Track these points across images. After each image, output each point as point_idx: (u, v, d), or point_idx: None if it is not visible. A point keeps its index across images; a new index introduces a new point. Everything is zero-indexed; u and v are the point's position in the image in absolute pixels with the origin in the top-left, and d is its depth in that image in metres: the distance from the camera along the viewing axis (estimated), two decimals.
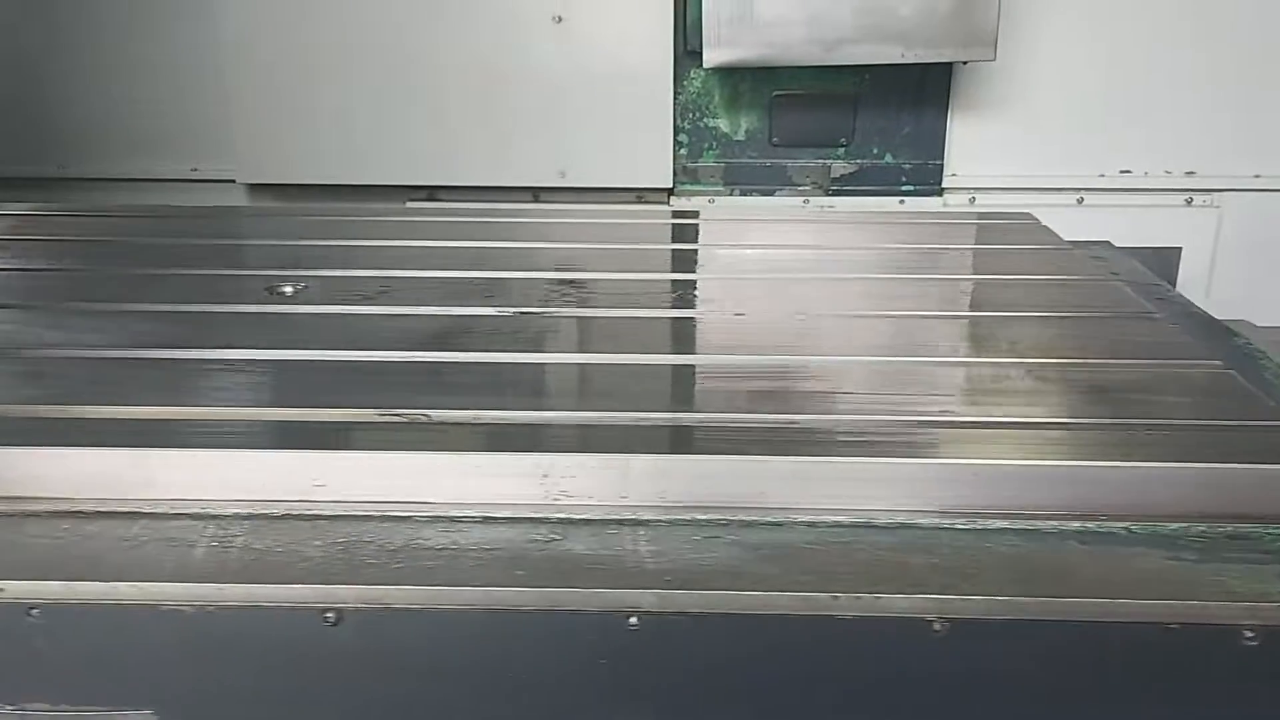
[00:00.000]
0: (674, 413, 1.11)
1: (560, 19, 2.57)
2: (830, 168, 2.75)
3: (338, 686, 0.90)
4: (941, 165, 2.72)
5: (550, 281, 1.56)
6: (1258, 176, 2.68)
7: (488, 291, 1.50)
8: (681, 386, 1.22)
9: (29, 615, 0.88)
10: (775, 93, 2.69)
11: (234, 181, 2.73)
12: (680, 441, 1.06)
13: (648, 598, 0.86)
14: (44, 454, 1.00)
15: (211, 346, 1.26)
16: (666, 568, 0.89)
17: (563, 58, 2.60)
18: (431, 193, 2.76)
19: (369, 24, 2.60)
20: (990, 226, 2.03)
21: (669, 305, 1.49)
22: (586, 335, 1.38)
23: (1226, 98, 2.64)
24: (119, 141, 2.80)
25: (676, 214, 2.28)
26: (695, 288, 1.59)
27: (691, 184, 2.77)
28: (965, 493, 0.96)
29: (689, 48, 2.61)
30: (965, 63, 2.56)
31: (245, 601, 0.88)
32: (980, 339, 1.39)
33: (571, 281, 1.57)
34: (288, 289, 1.49)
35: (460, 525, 0.95)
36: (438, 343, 1.30)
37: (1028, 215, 1.99)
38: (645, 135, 2.68)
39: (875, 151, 2.73)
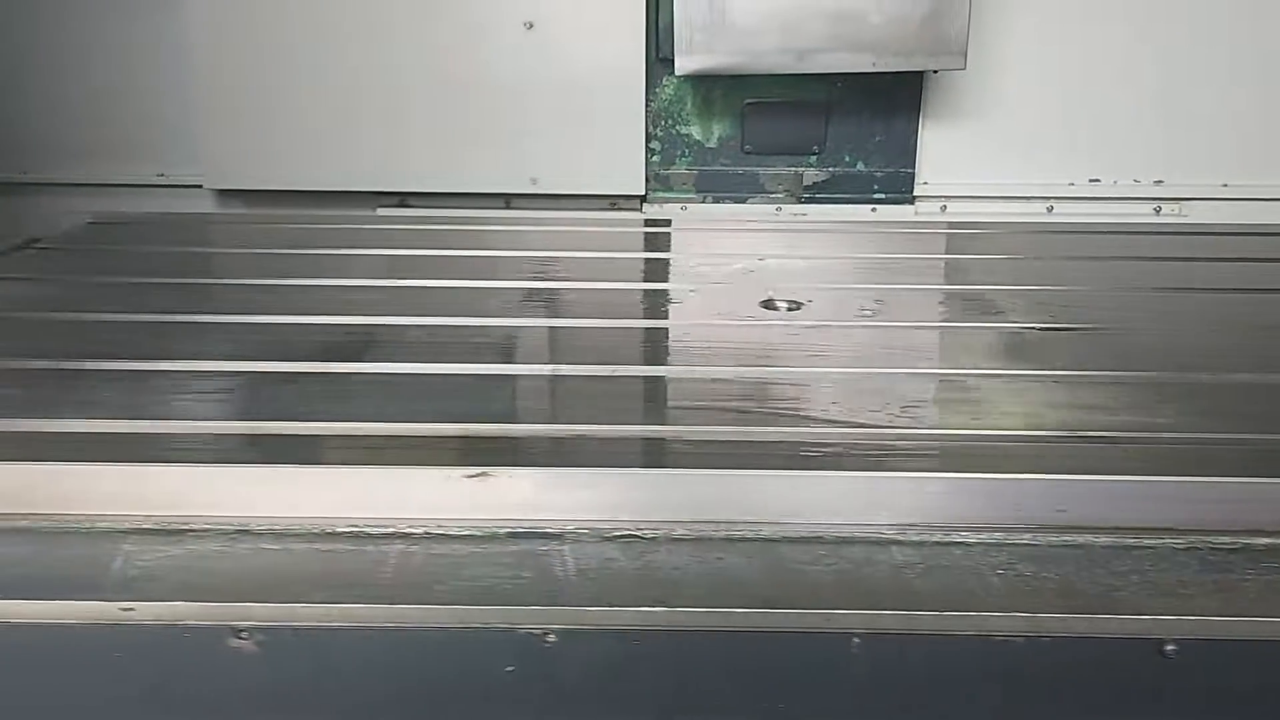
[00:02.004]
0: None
1: (531, 25, 2.56)
2: (802, 175, 2.75)
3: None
4: (913, 173, 2.73)
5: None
6: (1225, 186, 2.70)
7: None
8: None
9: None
10: (747, 100, 2.69)
11: (201, 187, 2.70)
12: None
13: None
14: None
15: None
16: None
17: (534, 64, 2.59)
18: (403, 199, 2.74)
19: (340, 29, 2.58)
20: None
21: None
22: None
23: (1195, 107, 2.66)
24: (84, 146, 2.76)
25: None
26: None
27: (664, 191, 2.77)
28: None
29: (661, 55, 2.60)
30: (936, 72, 2.57)
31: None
32: None
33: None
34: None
35: None
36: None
37: None
38: (618, 142, 2.68)
39: (847, 159, 2.73)
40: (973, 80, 2.61)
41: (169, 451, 1.00)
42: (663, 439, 1.07)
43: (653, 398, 1.20)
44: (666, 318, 1.49)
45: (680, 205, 2.77)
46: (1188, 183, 2.70)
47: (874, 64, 2.42)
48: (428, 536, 0.93)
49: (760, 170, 2.75)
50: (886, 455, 0.99)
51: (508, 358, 1.30)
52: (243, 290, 1.61)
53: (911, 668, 0.85)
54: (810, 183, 2.75)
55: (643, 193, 2.73)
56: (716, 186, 2.77)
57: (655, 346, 1.41)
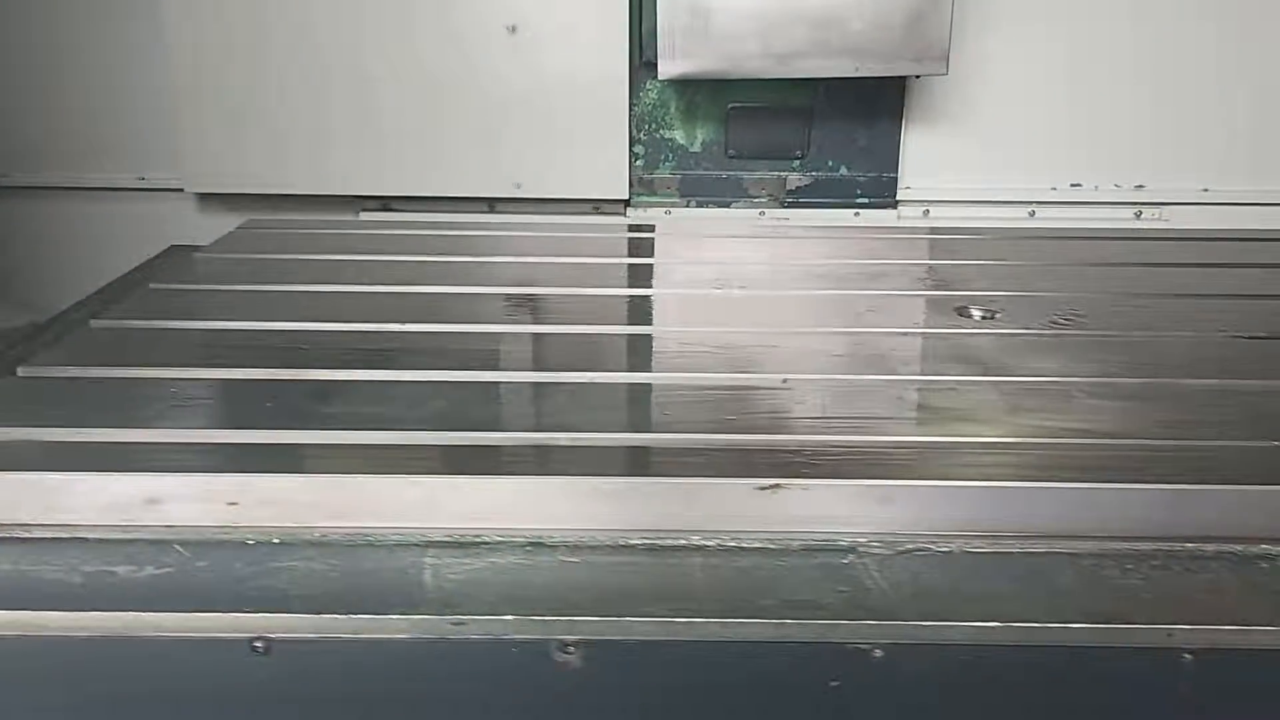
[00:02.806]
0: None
1: (514, 29, 2.56)
2: (786, 180, 2.76)
3: None
4: (896, 178, 2.74)
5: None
6: (1205, 190, 2.72)
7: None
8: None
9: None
10: (731, 105, 2.69)
11: (182, 191, 2.69)
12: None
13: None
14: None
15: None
16: None
17: (517, 68, 2.59)
18: (385, 203, 2.73)
19: (321, 32, 2.57)
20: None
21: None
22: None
23: (1175, 112, 2.68)
24: (63, 149, 2.74)
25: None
26: None
27: (648, 195, 2.77)
28: None
29: (644, 59, 2.60)
30: (918, 77, 2.58)
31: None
32: None
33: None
34: None
35: None
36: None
37: None
38: (601, 146, 2.67)
39: (830, 164, 2.74)
40: (955, 85, 2.62)
41: (465, 463, 0.99)
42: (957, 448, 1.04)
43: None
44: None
45: (664, 209, 2.77)
46: (1168, 187, 2.72)
47: (856, 69, 2.43)
48: (723, 549, 0.93)
49: (744, 174, 2.76)
50: None
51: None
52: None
53: None
54: (794, 187, 2.76)
55: (626, 197, 2.73)
56: (700, 191, 2.77)
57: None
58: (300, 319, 1.41)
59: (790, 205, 2.76)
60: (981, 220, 2.74)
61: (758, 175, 2.76)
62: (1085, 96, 2.67)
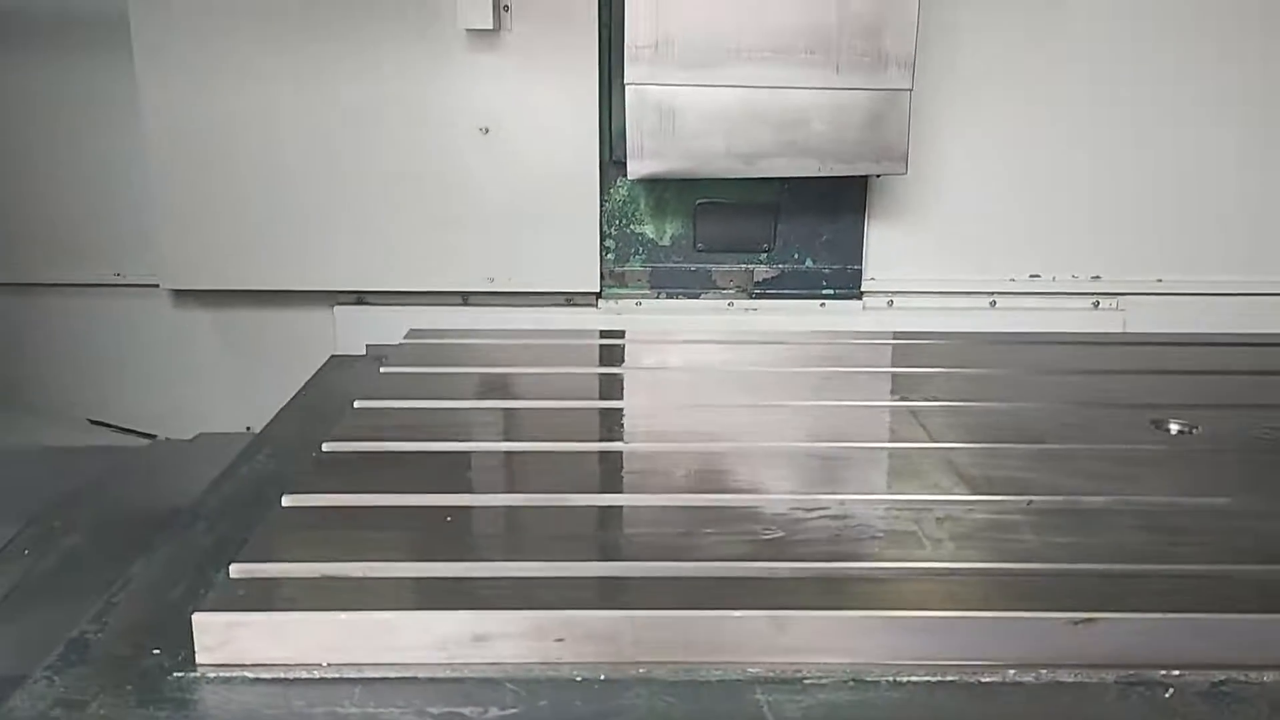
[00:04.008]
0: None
1: (487, 130, 2.63)
2: (753, 272, 2.82)
3: None
4: (860, 270, 2.81)
5: None
6: (1159, 281, 2.81)
7: None
8: None
9: None
10: (699, 200, 2.76)
11: (158, 286, 2.72)
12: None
13: None
14: None
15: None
16: None
17: (491, 167, 2.65)
18: (360, 297, 2.77)
19: (297, 128, 2.62)
20: None
21: None
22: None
23: (1128, 207, 2.77)
24: (38, 245, 2.76)
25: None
26: None
27: (619, 288, 2.82)
28: None
29: (614, 157, 2.68)
30: (879, 175, 2.66)
31: None
32: None
33: None
34: None
35: None
36: None
37: None
38: (573, 241, 2.73)
39: (796, 256, 2.81)
40: (915, 182, 2.70)
41: (778, 597, 1.01)
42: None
43: None
44: None
45: (635, 301, 2.82)
46: (1124, 279, 2.81)
47: (819, 169, 2.51)
48: (1039, 683, 0.95)
49: (713, 267, 2.82)
50: None
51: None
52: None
53: None
54: (761, 279, 2.82)
55: (598, 289, 2.79)
56: (670, 283, 2.83)
57: None
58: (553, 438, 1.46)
59: (758, 296, 2.83)
60: (945, 310, 2.82)
61: (726, 268, 2.82)
62: (1041, 192, 2.76)
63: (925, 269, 2.81)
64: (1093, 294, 2.82)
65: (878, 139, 2.49)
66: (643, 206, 2.78)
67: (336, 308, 2.76)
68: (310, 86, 2.58)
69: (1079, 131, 2.73)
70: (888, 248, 2.80)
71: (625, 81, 2.44)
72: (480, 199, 2.67)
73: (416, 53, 2.57)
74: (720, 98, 2.46)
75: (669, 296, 2.83)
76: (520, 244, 2.71)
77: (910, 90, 2.45)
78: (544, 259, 2.74)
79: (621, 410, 1.68)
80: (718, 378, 1.89)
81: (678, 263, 2.82)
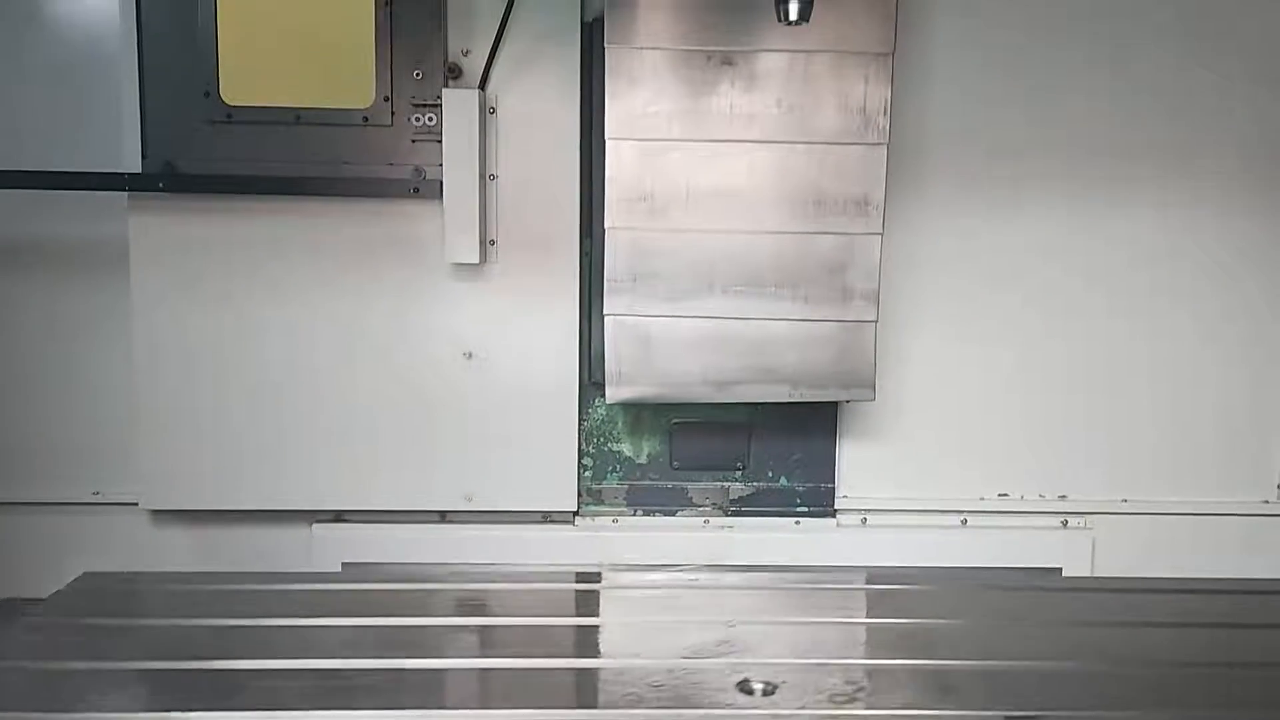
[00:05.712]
0: None
1: (470, 355, 2.71)
2: (729, 489, 2.87)
3: None
4: (833, 488, 2.86)
5: None
6: (1125, 500, 2.87)
7: None
8: None
9: None
10: (675, 420, 2.83)
11: (136, 505, 2.73)
12: None
13: None
14: None
15: None
16: None
17: (473, 390, 2.73)
18: (339, 515, 2.79)
19: (279, 351, 2.70)
20: None
21: None
22: None
23: (1095, 427, 2.86)
24: (16, 463, 2.78)
25: None
26: None
27: (596, 505, 2.86)
28: None
29: (593, 378, 2.76)
30: (848, 401, 2.75)
31: None
32: None
33: None
34: None
35: None
36: None
37: None
38: (551, 460, 2.78)
39: (770, 475, 2.86)
40: (885, 404, 2.78)
41: None
42: None
43: None
44: None
45: (612, 518, 2.85)
46: (1091, 498, 2.87)
47: (790, 394, 2.60)
48: None
49: (689, 485, 2.87)
50: None
51: None
52: None
53: None
54: (736, 497, 2.87)
55: (575, 508, 2.82)
56: (647, 500, 2.87)
57: None
58: None
59: (734, 514, 2.86)
60: (918, 527, 2.86)
61: (701, 485, 2.87)
62: (1007, 414, 2.85)
63: (897, 488, 2.87)
64: (1061, 513, 2.87)
65: (846, 367, 2.59)
66: (620, 425, 2.84)
67: (315, 525, 2.77)
68: (297, 310, 2.67)
69: (1045, 356, 2.83)
70: (860, 467, 2.87)
71: (604, 312, 2.55)
72: (461, 420, 2.74)
73: (403, 281, 2.68)
74: (695, 327, 2.57)
75: (646, 514, 2.86)
76: (499, 463, 2.76)
77: (876, 322, 2.57)
78: (523, 477, 2.78)
79: None
80: None
81: (654, 480, 2.87)
